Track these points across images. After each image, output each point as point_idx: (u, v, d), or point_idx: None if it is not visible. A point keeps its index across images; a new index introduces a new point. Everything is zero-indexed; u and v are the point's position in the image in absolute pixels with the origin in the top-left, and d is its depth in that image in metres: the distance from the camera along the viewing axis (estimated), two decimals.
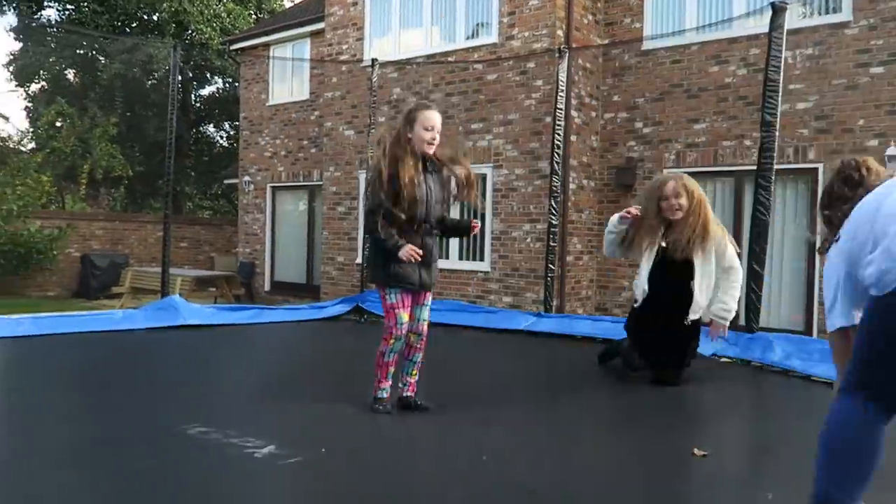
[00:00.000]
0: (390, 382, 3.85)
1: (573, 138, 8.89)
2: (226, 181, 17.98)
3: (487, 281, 9.33)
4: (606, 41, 9.41)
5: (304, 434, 2.81)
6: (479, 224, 3.90)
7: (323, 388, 3.68)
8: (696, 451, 2.40)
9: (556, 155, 6.23)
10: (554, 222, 6.22)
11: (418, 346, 3.86)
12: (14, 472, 2.12)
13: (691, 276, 3.82)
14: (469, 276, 9.52)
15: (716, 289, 3.86)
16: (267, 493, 2.06)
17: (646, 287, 3.88)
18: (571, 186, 8.93)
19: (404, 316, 3.68)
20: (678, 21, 8.87)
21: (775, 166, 4.51)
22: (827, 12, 7.95)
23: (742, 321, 4.67)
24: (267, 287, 13.82)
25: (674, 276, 3.83)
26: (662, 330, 3.82)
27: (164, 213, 6.75)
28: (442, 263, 9.79)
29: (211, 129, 24.87)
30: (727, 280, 3.83)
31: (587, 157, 9.29)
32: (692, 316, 3.82)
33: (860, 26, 7.58)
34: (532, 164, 8.91)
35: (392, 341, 3.66)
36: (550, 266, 6.17)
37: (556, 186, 6.24)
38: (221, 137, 24.86)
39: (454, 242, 9.70)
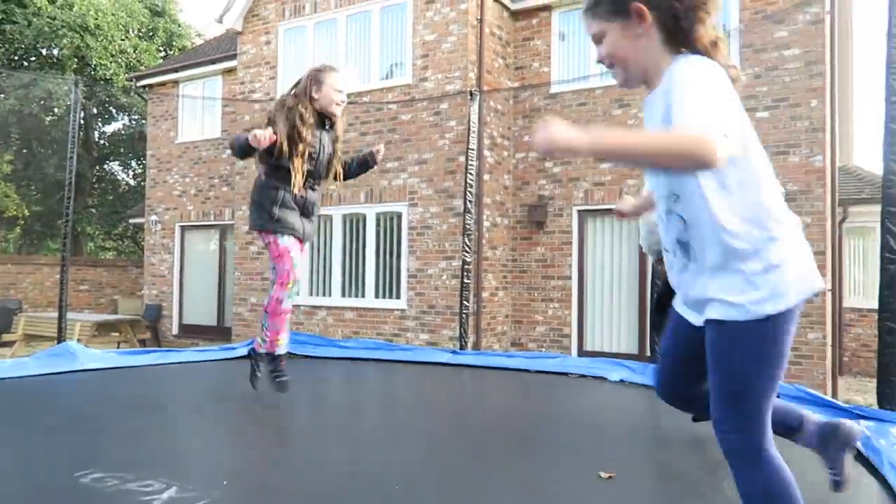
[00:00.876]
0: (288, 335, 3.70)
1: (486, 177, 9.09)
2: (132, 220, 17.28)
3: (404, 318, 9.30)
4: (516, 84, 9.75)
5: (209, 470, 2.69)
6: (381, 149, 4.01)
7: (226, 421, 3.54)
8: (601, 474, 2.42)
9: (469, 193, 6.35)
10: (468, 259, 6.30)
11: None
12: None
13: None
14: (386, 315, 9.47)
15: None
16: None
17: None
18: (486, 224, 9.10)
19: (298, 259, 3.60)
20: (584, 66, 9.31)
21: None
22: None
23: (648, 352, 4.86)
24: (175, 330, 13.26)
25: None
26: None
27: (61, 254, 6.40)
28: (357, 302, 9.78)
29: (116, 166, 23.94)
30: None
31: (500, 195, 9.51)
32: None
33: (746, 74, 8.17)
34: (447, 202, 9.03)
35: (290, 285, 3.53)
36: (465, 303, 6.24)
37: (469, 224, 6.36)
38: (127, 175, 23.96)
39: (370, 280, 9.65)
